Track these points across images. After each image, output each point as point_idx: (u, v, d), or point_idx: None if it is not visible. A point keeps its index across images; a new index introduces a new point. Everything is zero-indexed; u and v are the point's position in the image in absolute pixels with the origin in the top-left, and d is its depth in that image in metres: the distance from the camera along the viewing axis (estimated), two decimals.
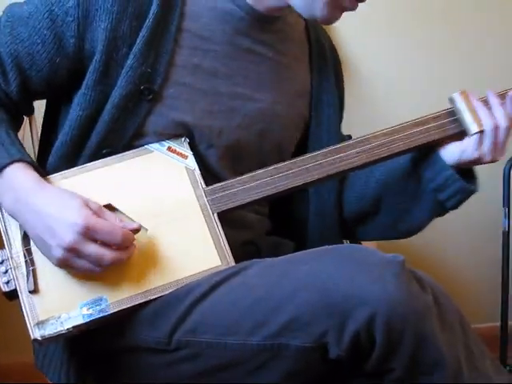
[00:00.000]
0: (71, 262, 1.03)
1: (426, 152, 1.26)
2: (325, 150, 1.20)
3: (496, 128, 1.21)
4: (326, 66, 1.36)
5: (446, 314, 1.04)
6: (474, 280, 2.29)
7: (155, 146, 1.17)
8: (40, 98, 1.26)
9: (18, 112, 1.22)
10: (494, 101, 1.22)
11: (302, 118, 1.33)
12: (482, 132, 1.20)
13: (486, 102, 1.23)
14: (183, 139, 1.18)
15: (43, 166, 1.16)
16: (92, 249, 1.02)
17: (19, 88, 1.16)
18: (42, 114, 1.29)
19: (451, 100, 1.23)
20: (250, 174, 1.17)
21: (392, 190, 1.31)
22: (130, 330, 1.10)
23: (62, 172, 1.14)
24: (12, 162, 1.07)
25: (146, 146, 1.17)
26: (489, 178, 2.16)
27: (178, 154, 1.17)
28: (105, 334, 1.12)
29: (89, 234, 1.02)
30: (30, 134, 1.48)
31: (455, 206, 1.28)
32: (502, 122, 1.21)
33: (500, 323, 2.14)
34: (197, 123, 1.18)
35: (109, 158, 1.15)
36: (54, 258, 1.04)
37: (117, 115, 1.14)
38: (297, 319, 0.99)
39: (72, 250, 1.02)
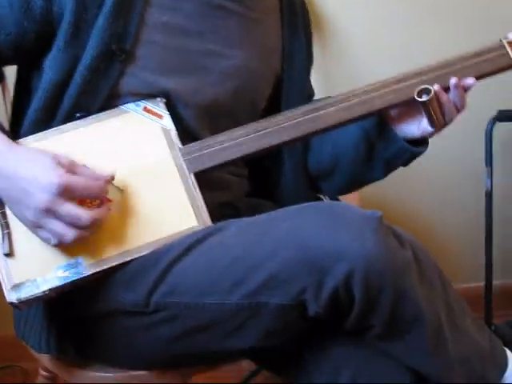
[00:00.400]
0: (44, 224, 1.01)
1: (377, 121, 1.27)
2: (303, 109, 1.19)
3: (455, 115, 1.21)
4: (296, 21, 1.36)
5: (426, 271, 1.04)
6: (457, 240, 2.29)
7: (131, 106, 1.16)
8: (9, 63, 1.23)
9: None
10: (456, 93, 1.19)
11: (274, 73, 1.33)
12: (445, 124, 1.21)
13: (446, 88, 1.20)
14: (159, 99, 1.17)
15: (17, 132, 1.15)
16: (69, 208, 1.00)
17: None
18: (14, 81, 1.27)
19: (421, 102, 1.18)
20: (227, 133, 1.16)
21: (346, 155, 1.32)
22: (107, 293, 1.09)
23: (35, 134, 1.12)
24: None
25: (121, 107, 1.15)
26: (471, 137, 2.17)
27: (154, 114, 1.16)
28: (82, 298, 1.12)
29: (65, 193, 1.00)
30: (3, 102, 1.46)
31: (407, 165, 1.30)
32: (460, 109, 1.21)
33: (484, 283, 2.14)
34: (171, 82, 1.17)
35: (83, 120, 1.14)
36: (29, 221, 1.02)
37: (89, 77, 1.12)
38: (275, 277, 0.99)
39: (48, 211, 1.00)
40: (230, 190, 1.29)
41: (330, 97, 1.33)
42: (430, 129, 1.21)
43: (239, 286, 1.01)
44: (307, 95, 1.39)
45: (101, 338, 1.16)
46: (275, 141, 1.17)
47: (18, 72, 1.26)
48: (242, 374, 2.01)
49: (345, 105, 1.19)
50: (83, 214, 1.01)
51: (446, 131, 1.27)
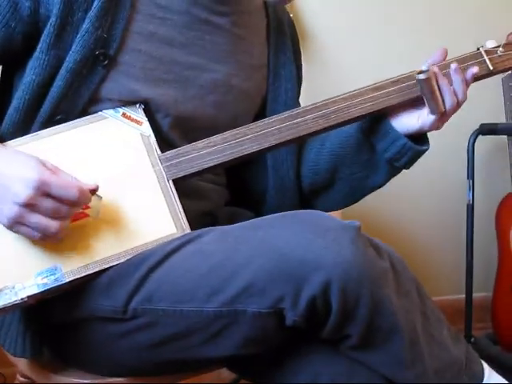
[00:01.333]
0: (25, 219, 1.00)
1: (376, 122, 1.27)
2: (282, 116, 1.19)
3: (456, 105, 1.22)
4: (283, 39, 1.36)
5: (403, 282, 1.05)
6: (438, 252, 2.31)
7: (110, 112, 1.15)
8: None
9: None
10: (457, 78, 1.21)
11: (259, 91, 1.32)
12: (444, 112, 1.22)
13: (446, 68, 1.22)
14: (138, 105, 1.16)
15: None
16: (48, 203, 1.00)
17: None
18: None
19: (418, 80, 1.21)
20: (207, 141, 1.16)
21: (345, 161, 1.31)
22: (85, 299, 1.09)
23: (15, 140, 1.12)
24: None
25: (100, 113, 1.15)
26: (453, 150, 2.18)
27: (133, 120, 1.16)
28: (61, 304, 1.11)
29: (44, 189, 0.99)
30: None
31: (410, 167, 1.30)
32: (461, 99, 1.22)
33: (465, 295, 2.15)
34: (152, 91, 1.17)
35: (63, 125, 1.13)
36: (7, 217, 1.00)
37: (71, 80, 1.12)
38: (253, 285, 0.99)
39: (27, 206, 0.99)
40: (208, 199, 1.29)
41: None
42: (429, 120, 1.22)
43: (217, 293, 1.01)
44: None
45: (79, 344, 1.16)
46: (254, 148, 1.17)
47: (0, 72, 1.25)
48: (221, 382, 2.01)
49: (323, 112, 1.20)
50: (63, 206, 1.00)
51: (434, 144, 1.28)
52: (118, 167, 1.12)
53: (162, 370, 1.18)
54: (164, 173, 1.13)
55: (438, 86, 1.20)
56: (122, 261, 1.07)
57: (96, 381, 1.19)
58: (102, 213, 1.08)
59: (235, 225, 1.07)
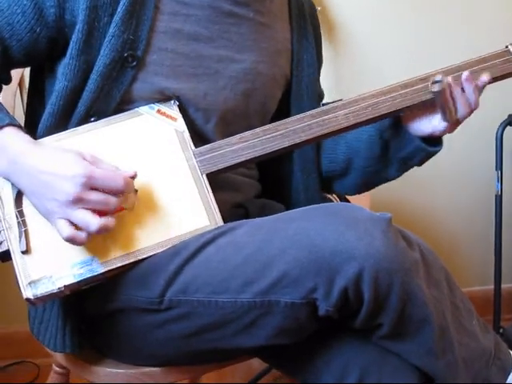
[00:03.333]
0: (74, 215, 1.02)
1: (392, 122, 1.29)
2: (313, 112, 1.21)
3: (468, 114, 1.23)
4: (305, 25, 1.37)
5: (433, 272, 1.05)
6: (467, 243, 2.30)
7: (145, 108, 1.17)
8: (21, 66, 1.26)
9: None
10: (468, 87, 1.22)
11: (284, 77, 1.34)
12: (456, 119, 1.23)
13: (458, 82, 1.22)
14: (173, 102, 1.18)
15: (33, 135, 1.15)
16: (97, 196, 1.02)
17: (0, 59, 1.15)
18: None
19: (433, 92, 1.21)
20: (239, 136, 1.18)
21: (360, 155, 1.34)
22: (121, 290, 1.11)
23: (53, 135, 1.14)
24: (1, 127, 1.07)
25: (135, 109, 1.17)
26: (482, 141, 2.17)
27: (168, 116, 1.18)
28: (96, 297, 1.14)
29: (91, 183, 1.01)
30: (21, 104, 1.48)
31: (423, 164, 1.33)
32: (474, 107, 1.24)
33: (493, 286, 2.15)
34: (181, 87, 1.19)
35: (99, 122, 1.15)
36: (55, 212, 1.03)
37: (102, 84, 1.14)
38: (286, 276, 1.00)
39: (76, 201, 1.01)
40: (240, 192, 1.30)
41: (340, 100, 1.35)
42: (441, 125, 1.24)
43: (251, 284, 1.02)
44: (317, 97, 1.41)
45: (114, 335, 1.18)
46: (285, 143, 1.19)
47: (32, 77, 1.28)
48: (251, 373, 2.02)
49: (353, 109, 1.21)
50: (110, 199, 1.03)
51: (456, 135, 1.29)
52: (153, 162, 1.14)
53: (196, 360, 1.20)
54: (198, 167, 1.15)
55: (452, 96, 1.21)
56: (156, 252, 1.09)
57: (131, 370, 1.21)
58: (137, 205, 1.09)
59: (268, 217, 1.09)
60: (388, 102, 1.22)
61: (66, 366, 1.29)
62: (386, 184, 1.40)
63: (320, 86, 1.44)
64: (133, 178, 1.06)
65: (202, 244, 1.07)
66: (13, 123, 1.09)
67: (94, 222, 1.01)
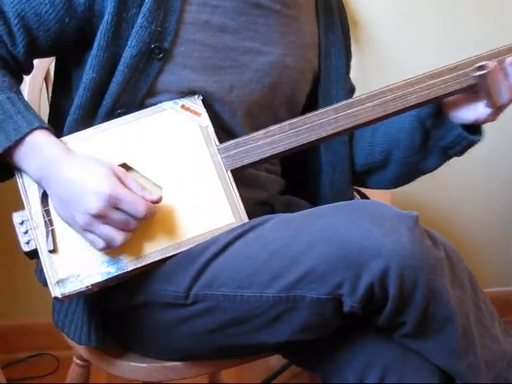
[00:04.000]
0: (94, 228, 1.04)
1: (433, 111, 1.27)
2: (339, 105, 1.19)
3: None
4: (332, 17, 1.36)
5: (457, 272, 1.05)
6: (489, 244, 2.29)
7: (169, 104, 1.17)
8: (46, 56, 1.26)
9: (20, 72, 1.22)
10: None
11: (312, 70, 1.33)
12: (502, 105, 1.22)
13: (502, 67, 1.21)
14: (197, 97, 1.18)
15: (60, 128, 1.17)
16: (118, 215, 1.03)
17: (26, 48, 1.15)
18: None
19: (476, 76, 1.21)
20: (264, 131, 1.17)
21: (400, 145, 1.32)
22: (147, 285, 1.12)
23: (77, 133, 1.15)
24: (32, 131, 1.07)
25: (159, 105, 1.17)
26: (503, 138, 2.16)
27: (192, 111, 1.17)
28: (122, 291, 1.14)
29: (114, 203, 1.02)
30: (46, 99, 1.50)
31: (463, 154, 1.31)
32: None
33: None
34: (208, 80, 1.19)
35: (123, 118, 1.16)
36: (79, 224, 1.05)
37: (128, 76, 1.14)
38: (313, 271, 1.00)
39: (99, 217, 1.03)
40: (265, 188, 1.30)
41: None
42: (485, 112, 1.22)
43: (277, 279, 1.02)
44: (348, 91, 1.39)
45: (139, 330, 1.18)
46: (311, 138, 1.18)
47: (57, 71, 1.29)
48: (269, 370, 2.03)
49: (380, 100, 1.20)
50: (131, 220, 1.04)
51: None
52: (178, 158, 1.14)
53: (219, 355, 1.20)
54: (222, 163, 1.15)
55: (496, 81, 1.20)
56: (183, 250, 1.10)
57: (153, 364, 1.21)
58: (162, 203, 1.10)
59: (295, 213, 1.09)
60: (416, 93, 1.20)
61: (89, 359, 1.30)
62: (411, 182, 1.39)
63: (350, 80, 1.43)
64: (157, 202, 1.07)
65: (230, 239, 1.08)
66: (43, 126, 1.09)
67: (117, 238, 1.04)
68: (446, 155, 1.30)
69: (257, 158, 1.17)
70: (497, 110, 1.23)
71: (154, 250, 1.09)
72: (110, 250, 1.06)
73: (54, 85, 1.30)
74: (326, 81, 1.35)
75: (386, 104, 1.20)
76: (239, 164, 1.16)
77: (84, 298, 1.16)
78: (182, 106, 1.18)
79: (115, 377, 1.29)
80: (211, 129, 1.17)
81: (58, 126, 1.17)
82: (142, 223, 1.07)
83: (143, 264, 1.08)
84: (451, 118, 1.26)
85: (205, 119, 1.18)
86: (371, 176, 1.40)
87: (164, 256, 1.09)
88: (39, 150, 1.08)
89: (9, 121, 1.07)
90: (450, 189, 2.16)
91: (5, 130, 1.07)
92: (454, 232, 2.20)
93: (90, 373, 1.49)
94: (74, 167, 1.06)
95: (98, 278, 1.07)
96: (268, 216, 1.11)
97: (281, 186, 1.37)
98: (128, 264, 1.08)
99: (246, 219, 1.13)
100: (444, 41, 2.08)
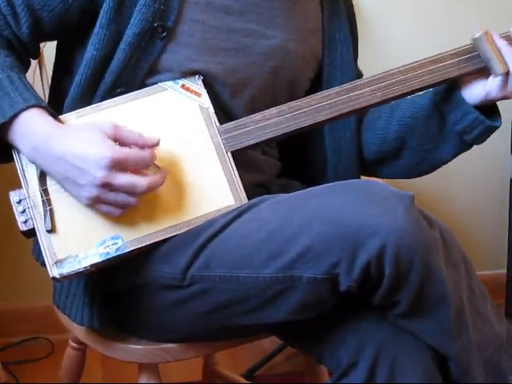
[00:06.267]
0: (104, 198, 1.03)
1: (448, 93, 1.26)
2: (338, 89, 1.19)
3: None
4: (337, 3, 1.35)
5: (452, 253, 1.06)
6: (481, 227, 2.30)
7: (169, 83, 1.17)
8: (49, 39, 1.26)
9: (26, 55, 1.22)
10: None
11: (315, 56, 1.32)
12: (507, 73, 1.20)
13: (508, 38, 1.21)
14: (197, 77, 1.17)
15: (59, 107, 1.16)
16: (125, 179, 1.02)
17: (30, 29, 1.15)
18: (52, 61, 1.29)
19: (475, 40, 1.21)
20: (263, 113, 1.17)
21: (415, 132, 1.30)
22: (145, 266, 1.12)
23: (77, 111, 1.14)
24: (27, 108, 1.07)
25: (159, 84, 1.17)
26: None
27: (192, 91, 1.17)
28: (121, 272, 1.14)
29: (118, 166, 1.02)
30: (40, 80, 1.49)
31: (481, 143, 1.28)
32: None
33: (506, 270, 2.15)
34: (210, 61, 1.18)
35: (123, 97, 1.15)
36: (86, 198, 1.04)
37: (130, 54, 1.14)
38: (310, 250, 1.00)
39: (105, 185, 1.02)
40: (262, 171, 1.30)
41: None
42: (495, 82, 1.19)
43: (274, 259, 1.02)
44: (354, 78, 1.34)
45: (135, 312, 1.19)
46: (310, 120, 1.18)
47: (58, 52, 1.28)
48: (262, 352, 2.04)
49: (381, 85, 1.20)
50: (139, 181, 1.03)
51: None
52: (177, 138, 1.14)
53: (216, 336, 1.21)
54: (222, 144, 1.15)
55: (497, 47, 1.19)
56: (181, 231, 1.10)
57: (150, 346, 1.22)
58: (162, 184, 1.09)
59: (291, 193, 1.09)
60: (417, 78, 1.20)
61: (85, 341, 1.30)
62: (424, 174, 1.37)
63: (357, 67, 1.41)
64: (156, 144, 1.07)
65: (227, 221, 1.08)
66: (38, 104, 1.08)
67: (131, 201, 1.04)
68: (462, 142, 1.27)
69: (257, 140, 1.17)
70: (505, 80, 1.20)
71: (154, 231, 1.09)
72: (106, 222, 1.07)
73: (54, 66, 1.29)
74: (330, 66, 1.33)
75: (385, 88, 1.20)
76: (239, 145, 1.16)
77: (85, 279, 1.16)
78: (182, 86, 1.17)
79: (110, 360, 1.29)
80: (211, 110, 1.17)
81: (57, 107, 1.16)
82: (142, 203, 1.07)
83: (142, 245, 1.09)
84: (466, 99, 1.23)
85: (205, 100, 1.17)
86: (384, 165, 1.37)
87: (163, 237, 1.09)
88: (31, 128, 1.07)
89: (5, 97, 1.06)
90: (443, 174, 2.16)
91: (1, 107, 1.06)
92: (448, 216, 2.21)
93: (86, 356, 1.50)
94: (66, 140, 1.05)
95: (96, 258, 1.07)
96: (264, 197, 1.11)
97: (278, 168, 1.37)
98: (126, 245, 1.08)
99: (245, 200, 1.13)
100: (442, 32, 2.08)
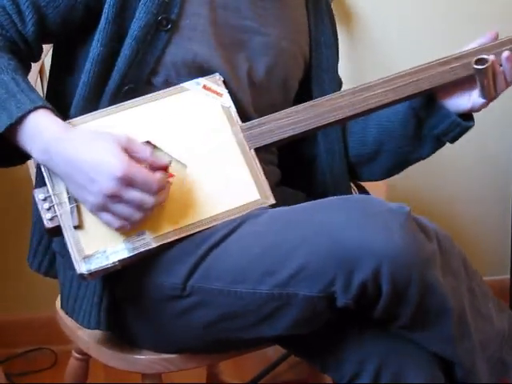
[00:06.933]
0: (109, 208, 1.02)
1: (427, 100, 1.29)
2: (353, 89, 1.23)
3: (504, 89, 1.25)
4: (320, 7, 1.38)
5: (450, 260, 1.06)
6: (484, 232, 2.30)
7: (190, 84, 1.18)
8: (52, 39, 1.24)
9: (29, 57, 1.21)
10: (508, 66, 1.23)
11: (303, 57, 1.35)
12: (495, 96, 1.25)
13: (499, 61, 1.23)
14: (218, 77, 1.19)
15: (60, 113, 1.13)
16: (134, 193, 1.02)
17: (35, 28, 1.14)
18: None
19: (478, 65, 1.22)
20: (284, 111, 1.20)
21: (392, 135, 1.34)
22: (147, 276, 1.12)
23: (94, 112, 1.13)
24: (35, 109, 1.05)
25: (181, 85, 1.18)
26: (499, 128, 2.17)
27: (214, 92, 1.18)
28: (124, 280, 1.14)
29: (128, 181, 1.01)
30: (40, 82, 1.50)
31: (455, 141, 1.33)
32: (510, 84, 1.25)
33: (510, 276, 2.15)
34: (211, 54, 1.20)
35: (144, 97, 1.16)
36: (92, 204, 1.03)
37: (137, 48, 1.15)
38: (305, 268, 1.00)
39: (113, 196, 1.01)
40: None
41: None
42: (480, 100, 1.24)
43: (270, 275, 1.03)
44: (337, 81, 1.42)
45: (138, 321, 1.19)
46: (331, 119, 1.21)
47: (57, 52, 1.27)
48: (266, 361, 2.04)
49: (392, 86, 1.23)
50: (147, 198, 1.02)
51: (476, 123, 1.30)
52: (201, 137, 1.15)
53: (214, 349, 1.21)
54: (246, 142, 1.16)
55: (494, 75, 1.22)
56: (208, 227, 1.10)
57: (151, 356, 1.22)
58: (187, 181, 1.10)
59: (289, 207, 1.09)
60: (427, 80, 1.24)
61: (88, 352, 1.30)
62: (402, 171, 1.41)
63: (337, 72, 1.44)
64: (166, 167, 1.06)
65: (227, 232, 1.08)
66: (46, 106, 1.07)
67: (134, 216, 1.03)
68: (439, 143, 1.32)
69: (279, 138, 1.19)
70: (491, 99, 1.25)
71: (179, 227, 1.09)
72: (128, 230, 1.05)
73: (52, 68, 1.28)
74: (318, 69, 1.36)
75: (398, 89, 1.23)
76: (263, 143, 1.18)
77: (93, 283, 1.15)
78: (204, 87, 1.18)
79: (113, 370, 1.29)
80: (233, 109, 1.18)
81: (60, 110, 1.13)
82: (167, 200, 1.07)
83: (169, 241, 1.08)
84: (446, 106, 1.28)
85: (226, 99, 1.19)
86: (362, 168, 1.41)
87: (189, 233, 1.09)
88: (40, 130, 1.05)
89: (12, 99, 1.05)
90: (445, 177, 2.17)
91: (7, 109, 1.05)
92: (450, 221, 2.20)
93: (89, 366, 1.50)
94: (80, 145, 1.04)
95: (124, 253, 1.06)
96: (263, 210, 1.12)
97: (277, 176, 1.37)
98: (153, 240, 1.07)
99: (270, 196, 1.14)
100: (440, 35, 2.09)
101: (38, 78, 1.50)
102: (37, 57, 1.23)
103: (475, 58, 1.21)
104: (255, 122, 1.19)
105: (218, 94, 1.18)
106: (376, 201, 1.05)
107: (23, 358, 2.09)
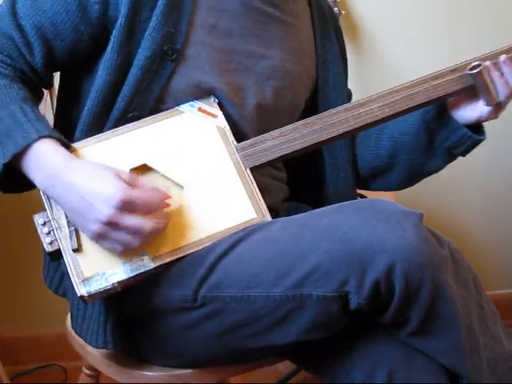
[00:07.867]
0: (108, 235, 1.03)
1: (438, 112, 1.31)
2: (348, 105, 1.23)
3: (510, 94, 1.26)
4: (326, 26, 1.40)
5: (461, 271, 1.07)
6: (494, 246, 2.29)
7: (186, 106, 1.20)
8: (61, 69, 1.27)
9: (40, 86, 1.23)
10: (507, 69, 1.25)
11: (310, 77, 1.36)
12: (499, 103, 1.26)
13: (497, 65, 1.25)
14: (212, 100, 1.21)
15: (71, 135, 1.17)
16: (132, 221, 1.03)
17: (44, 59, 1.17)
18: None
19: (470, 75, 1.25)
20: (279, 130, 1.21)
21: (405, 147, 1.35)
22: (156, 291, 1.12)
23: (96, 136, 1.15)
24: (40, 138, 1.07)
25: (176, 108, 1.19)
26: (509, 140, 2.17)
27: (209, 113, 1.20)
28: (133, 297, 1.14)
29: (127, 207, 1.02)
30: (51, 107, 1.50)
31: (466, 154, 1.34)
32: None
33: None
34: (217, 81, 1.21)
35: (141, 121, 1.17)
36: (91, 232, 1.04)
37: (142, 77, 1.16)
38: (318, 268, 1.01)
39: (111, 224, 1.02)
40: (269, 194, 1.30)
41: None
42: (486, 110, 1.26)
43: (283, 277, 1.03)
44: (346, 97, 1.43)
45: (147, 337, 1.19)
46: (324, 137, 1.21)
47: (64, 80, 1.29)
48: (276, 376, 2.03)
49: (388, 101, 1.24)
50: (145, 223, 1.03)
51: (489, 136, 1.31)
52: (197, 158, 1.16)
53: (228, 360, 1.20)
54: (241, 162, 1.17)
55: (491, 79, 1.24)
56: (205, 246, 1.10)
57: (163, 373, 1.22)
58: (183, 202, 1.11)
59: (299, 215, 1.10)
60: (422, 93, 1.25)
61: (98, 368, 1.30)
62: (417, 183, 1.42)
63: (347, 86, 1.46)
64: (168, 196, 1.08)
65: (235, 241, 1.09)
66: (51, 135, 1.09)
67: (134, 242, 1.04)
68: (450, 155, 1.33)
69: (274, 156, 1.20)
70: (496, 107, 1.26)
71: (177, 248, 1.10)
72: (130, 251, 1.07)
73: (59, 97, 1.31)
74: (324, 88, 1.37)
75: (393, 104, 1.24)
76: (257, 162, 1.19)
77: (100, 302, 1.16)
78: (199, 109, 1.20)
79: None
80: (228, 129, 1.19)
81: (66, 136, 1.15)
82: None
83: (166, 261, 1.09)
84: (456, 118, 1.29)
85: (221, 120, 1.20)
86: (376, 179, 1.42)
87: (186, 253, 1.10)
88: (44, 159, 1.07)
89: (19, 129, 1.07)
90: (455, 190, 2.17)
91: (14, 138, 1.07)
92: (460, 234, 2.20)
93: (99, 383, 1.49)
94: (79, 173, 1.06)
95: (123, 275, 1.07)
96: (274, 219, 1.13)
97: (285, 193, 1.38)
98: (152, 261, 1.08)
99: (267, 215, 1.14)
100: (443, 45, 2.09)
101: (48, 96, 1.51)
102: (48, 84, 1.25)
103: (470, 65, 1.25)
104: (250, 141, 1.19)
105: (212, 115, 1.20)
106: (388, 202, 1.06)
107: (33, 374, 2.09)
